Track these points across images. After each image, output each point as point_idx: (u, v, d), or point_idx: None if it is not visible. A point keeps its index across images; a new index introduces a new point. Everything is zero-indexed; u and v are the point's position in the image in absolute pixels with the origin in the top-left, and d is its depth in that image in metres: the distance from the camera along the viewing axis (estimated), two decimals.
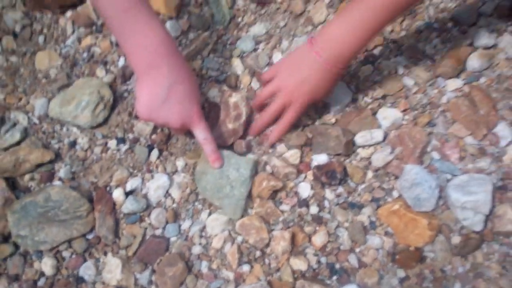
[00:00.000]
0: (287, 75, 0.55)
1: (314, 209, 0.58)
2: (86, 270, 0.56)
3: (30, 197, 0.55)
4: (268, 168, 0.59)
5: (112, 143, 0.60)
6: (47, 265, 0.55)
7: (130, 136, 0.60)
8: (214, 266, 0.56)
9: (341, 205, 0.58)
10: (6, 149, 0.57)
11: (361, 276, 0.55)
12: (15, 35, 0.65)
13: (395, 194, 0.58)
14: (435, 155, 0.60)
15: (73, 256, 0.56)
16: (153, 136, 0.60)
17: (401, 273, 0.56)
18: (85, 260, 0.56)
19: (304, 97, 0.55)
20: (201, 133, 0.55)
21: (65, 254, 0.56)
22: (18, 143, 0.58)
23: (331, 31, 0.52)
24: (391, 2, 0.49)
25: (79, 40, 0.65)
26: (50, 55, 0.64)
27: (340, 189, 0.59)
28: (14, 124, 0.59)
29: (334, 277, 0.55)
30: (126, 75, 0.63)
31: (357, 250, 0.56)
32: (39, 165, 0.58)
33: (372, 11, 0.50)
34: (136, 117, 0.59)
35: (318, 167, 0.59)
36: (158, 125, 0.55)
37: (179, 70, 0.51)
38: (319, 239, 0.57)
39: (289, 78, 0.55)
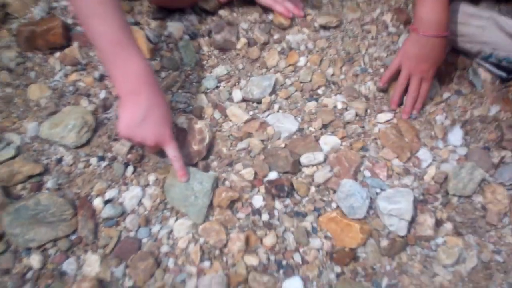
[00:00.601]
0: (409, 54, 0.88)
1: (265, 217, 0.87)
2: (69, 265, 0.80)
3: (22, 202, 0.81)
4: (227, 183, 0.89)
5: (93, 160, 0.89)
6: (35, 260, 0.80)
7: (109, 155, 0.89)
8: (179, 262, 0.82)
9: (288, 213, 0.87)
10: (1, 162, 0.85)
11: (303, 271, 0.83)
12: (10, 71, 0.96)
13: (333, 205, 0.88)
14: (367, 173, 0.91)
15: (58, 253, 0.81)
16: (129, 156, 0.89)
17: (338, 269, 0.83)
18: (68, 257, 0.81)
19: (433, 70, 0.89)
20: (172, 151, 0.84)
21: (51, 251, 0.81)
22: (13, 158, 0.86)
23: (421, 15, 0.85)
24: None
25: (66, 75, 0.97)
26: (41, 87, 0.94)
27: (288, 201, 0.88)
28: (9, 143, 0.88)
29: (281, 271, 0.82)
30: (106, 106, 0.94)
31: (301, 250, 0.84)
32: (30, 177, 0.85)
33: None
34: (116, 137, 0.89)
35: (269, 182, 0.89)
36: (135, 142, 0.84)
37: (156, 97, 0.79)
38: (269, 241, 0.85)
39: (411, 56, 0.88)
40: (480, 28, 0.91)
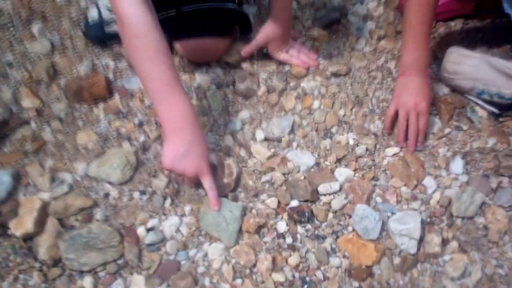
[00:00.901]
0: (401, 97, 1.13)
1: (289, 240, 1.10)
2: (117, 286, 1.03)
3: (76, 230, 1.04)
4: (253, 211, 1.13)
5: (136, 194, 1.13)
6: (87, 282, 1.01)
7: (149, 189, 1.14)
8: (214, 280, 1.04)
9: (309, 236, 1.11)
10: (56, 197, 1.10)
11: (325, 286, 1.05)
12: (60, 120, 1.24)
13: (349, 228, 1.11)
14: (378, 199, 1.15)
15: (107, 275, 1.03)
16: (166, 190, 1.14)
17: (356, 284, 1.05)
18: (116, 279, 1.04)
19: (425, 103, 1.12)
20: (208, 182, 1.07)
21: (101, 274, 1.03)
22: (66, 193, 1.11)
23: (405, 59, 1.12)
24: (420, 12, 1.09)
25: (109, 123, 1.24)
26: (88, 133, 1.21)
27: (308, 225, 1.12)
28: (62, 181, 1.13)
29: (305, 286, 1.05)
30: (145, 148, 1.20)
31: (322, 268, 1.07)
32: (82, 209, 1.08)
33: (412, 27, 1.11)
34: (159, 169, 1.14)
35: (291, 209, 1.13)
36: (177, 173, 1.08)
37: (196, 134, 1.01)
38: (293, 260, 1.07)
39: (403, 98, 1.12)
40: (473, 66, 1.18)
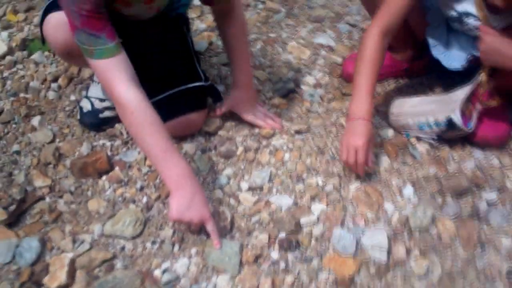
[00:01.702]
0: (345, 137, 1.43)
1: (283, 265, 1.37)
2: None
3: (103, 278, 1.29)
4: (249, 246, 1.42)
5: (148, 245, 1.39)
6: None
7: (158, 239, 1.41)
8: None
9: (299, 260, 1.39)
10: (81, 254, 1.35)
11: None
12: (71, 193, 1.51)
13: (330, 249, 1.43)
14: (350, 224, 1.46)
15: None
16: (173, 238, 1.41)
17: None
18: None
19: (361, 141, 1.41)
20: (211, 226, 1.33)
21: None
22: (88, 250, 1.36)
23: (353, 107, 1.45)
24: (366, 74, 1.47)
25: (114, 190, 1.52)
26: (98, 201, 1.48)
27: (297, 252, 1.41)
28: (82, 241, 1.38)
29: None
30: (149, 207, 1.49)
31: (313, 283, 1.36)
32: (104, 261, 1.34)
33: (359, 84, 1.47)
34: (168, 221, 1.41)
35: (281, 240, 1.43)
36: (184, 223, 1.35)
37: (196, 188, 1.27)
38: (289, 280, 1.33)
39: (347, 137, 1.42)
40: (412, 106, 1.55)
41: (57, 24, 1.30)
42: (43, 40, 1.39)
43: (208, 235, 1.31)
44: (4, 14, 2.00)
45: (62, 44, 1.32)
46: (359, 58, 1.47)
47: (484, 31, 1.34)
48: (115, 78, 1.21)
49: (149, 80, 1.29)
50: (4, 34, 1.91)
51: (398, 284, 1.27)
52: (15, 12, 2.02)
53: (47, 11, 1.34)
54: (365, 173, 1.46)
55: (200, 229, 1.31)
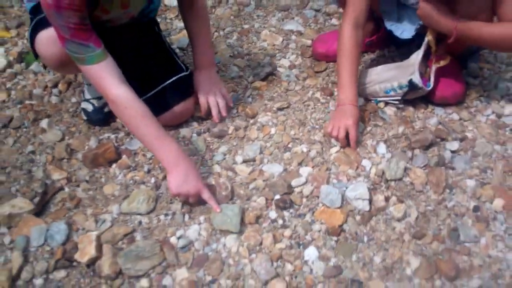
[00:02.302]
0: (337, 119, 1.64)
1: (280, 222, 1.57)
2: (167, 280, 1.44)
3: (127, 248, 1.47)
4: (250, 209, 1.62)
5: (161, 217, 1.57)
6: (144, 282, 1.41)
7: (170, 212, 1.61)
8: (236, 259, 1.49)
9: (294, 216, 1.60)
10: (104, 232, 1.54)
11: (315, 243, 1.53)
12: (87, 181, 1.69)
13: (320, 204, 1.64)
14: (334, 181, 1.67)
15: (157, 275, 1.42)
16: (183, 210, 1.61)
17: (334, 238, 1.54)
18: (164, 276, 1.46)
19: (351, 121, 1.62)
20: (207, 195, 1.49)
21: (152, 275, 1.43)
22: (110, 227, 1.54)
23: (341, 96, 1.66)
24: (348, 64, 1.68)
25: (125, 175, 1.71)
26: (112, 185, 1.66)
27: (291, 209, 1.61)
28: (104, 220, 1.56)
29: (301, 247, 1.51)
30: (157, 186, 1.68)
31: (309, 234, 1.56)
32: (125, 235, 1.52)
33: (343, 75, 1.68)
34: (171, 198, 1.61)
35: (276, 201, 1.63)
36: (182, 195, 1.52)
37: (189, 165, 1.42)
38: (287, 233, 1.51)
39: (339, 119, 1.63)
40: (376, 74, 1.76)
41: (48, 40, 1.46)
42: (35, 55, 1.56)
43: (206, 203, 1.49)
44: None
45: (56, 58, 1.50)
46: (339, 52, 1.71)
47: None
48: (106, 79, 1.40)
49: (134, 80, 1.47)
50: (1, 49, 2.06)
51: (381, 227, 1.48)
52: (7, 28, 2.18)
53: (35, 30, 1.50)
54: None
55: (199, 200, 1.49)
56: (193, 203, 1.52)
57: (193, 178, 1.46)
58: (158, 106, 1.54)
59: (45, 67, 1.90)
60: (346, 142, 1.64)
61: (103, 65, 1.37)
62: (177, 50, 2.01)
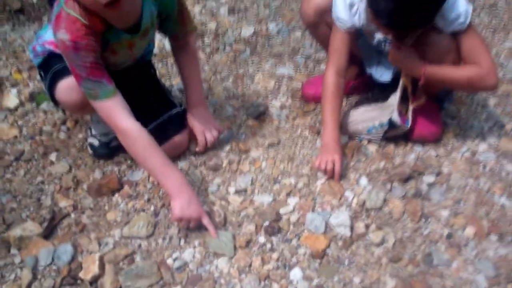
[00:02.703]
0: (324, 154, 1.80)
1: (269, 246, 1.74)
2: None
3: (128, 268, 1.62)
4: (241, 234, 1.77)
5: (159, 241, 1.74)
6: None
7: (167, 236, 1.76)
8: (227, 279, 1.62)
9: (281, 241, 1.77)
10: (106, 253, 1.70)
11: (300, 265, 1.68)
12: (91, 209, 1.86)
13: (305, 230, 1.80)
14: (319, 209, 1.84)
15: None
16: (179, 234, 1.77)
17: (318, 261, 1.69)
18: None
19: (337, 157, 1.78)
20: (207, 220, 1.66)
21: None
22: (112, 249, 1.70)
23: (323, 138, 1.86)
24: (331, 109, 1.87)
25: (126, 204, 1.88)
26: (114, 213, 1.81)
27: (279, 235, 1.78)
28: (106, 243, 1.72)
29: (287, 268, 1.66)
30: (156, 213, 1.85)
31: (295, 257, 1.72)
32: (126, 256, 1.66)
33: (326, 119, 1.88)
34: (172, 220, 1.77)
35: (265, 227, 1.79)
36: (185, 219, 1.70)
37: (191, 192, 1.57)
38: (275, 256, 1.67)
39: (325, 155, 1.80)
40: (358, 115, 1.96)
41: (67, 89, 1.64)
42: (54, 102, 1.74)
43: (205, 229, 1.64)
44: (10, 74, 2.37)
45: (76, 104, 1.67)
46: (322, 97, 1.92)
47: (393, 46, 1.77)
48: (117, 113, 1.58)
49: (136, 114, 1.64)
50: (14, 90, 2.26)
51: (361, 252, 1.63)
52: (19, 71, 2.39)
53: (53, 80, 1.68)
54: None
55: (199, 225, 1.64)
56: (193, 227, 1.65)
57: (195, 204, 1.62)
58: (158, 137, 1.70)
59: (64, 111, 2.08)
60: (332, 174, 1.80)
61: (114, 101, 1.56)
62: (177, 92, 2.19)
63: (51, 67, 1.65)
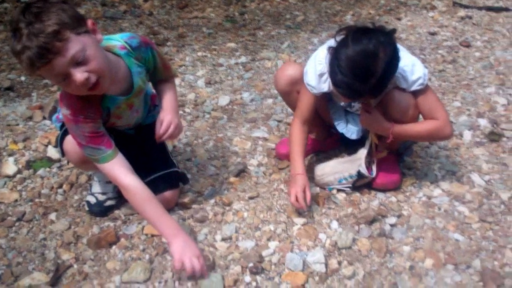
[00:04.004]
0: (292, 187, 2.10)
1: (254, 284, 2.00)
2: None
3: None
4: (228, 275, 2.04)
5: (156, 284, 1.95)
6: None
7: (163, 280, 2.01)
8: None
9: (265, 279, 2.04)
10: None
11: None
12: (92, 260, 2.11)
13: (286, 269, 2.07)
14: (297, 250, 2.12)
15: None
16: (173, 278, 2.02)
17: None
18: None
19: (306, 186, 2.09)
20: (202, 260, 1.96)
21: None
22: None
23: (291, 171, 2.18)
24: (296, 156, 2.18)
25: (124, 254, 2.12)
26: (113, 262, 2.03)
27: (263, 274, 2.05)
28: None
29: None
30: (151, 260, 2.11)
31: None
32: None
33: (293, 163, 2.20)
34: (175, 267, 2.01)
35: (250, 268, 2.05)
36: (187, 262, 1.95)
37: (186, 236, 1.81)
38: None
39: (296, 187, 2.09)
40: (330, 167, 2.27)
41: (73, 143, 1.92)
42: (62, 153, 2.03)
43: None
44: (7, 145, 2.66)
45: (78, 157, 1.93)
46: (290, 142, 2.23)
47: (362, 110, 2.14)
48: (117, 173, 1.85)
49: (139, 168, 1.92)
50: (11, 159, 2.54)
51: (335, 285, 1.89)
52: (15, 142, 2.68)
53: (64, 134, 1.97)
54: (303, 215, 2.17)
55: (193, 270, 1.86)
56: (195, 266, 1.85)
57: (191, 244, 1.86)
58: (153, 190, 1.99)
59: (68, 162, 2.37)
60: (303, 202, 2.11)
61: (114, 162, 1.83)
62: (183, 162, 2.49)
63: (65, 126, 1.93)
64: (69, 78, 1.60)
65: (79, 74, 1.58)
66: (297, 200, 2.10)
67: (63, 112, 1.76)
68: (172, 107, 2.04)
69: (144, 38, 1.93)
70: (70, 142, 1.91)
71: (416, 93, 2.05)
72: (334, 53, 1.89)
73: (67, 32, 1.55)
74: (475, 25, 3.85)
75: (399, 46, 1.94)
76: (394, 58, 1.86)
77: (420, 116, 2.12)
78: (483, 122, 2.72)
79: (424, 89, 2.04)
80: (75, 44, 1.57)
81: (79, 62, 1.59)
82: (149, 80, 2.07)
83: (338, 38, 1.91)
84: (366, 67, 1.81)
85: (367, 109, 2.08)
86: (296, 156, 2.19)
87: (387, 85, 1.92)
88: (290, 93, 2.26)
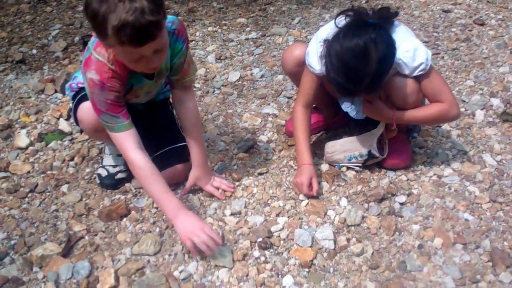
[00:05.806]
0: (298, 176, 2.12)
1: (262, 258, 2.02)
2: None
3: (139, 279, 1.85)
4: (238, 249, 2.06)
5: (166, 257, 1.98)
6: None
7: (173, 252, 2.02)
8: (227, 287, 1.94)
9: (274, 254, 2.06)
10: (119, 268, 1.96)
11: (291, 273, 1.98)
12: (103, 231, 2.13)
13: (294, 244, 2.10)
14: (306, 226, 2.16)
15: None
16: (183, 251, 2.04)
17: (306, 270, 1.98)
18: None
19: (313, 176, 2.09)
20: (208, 229, 1.96)
21: None
22: (124, 264, 1.97)
23: (298, 160, 2.18)
24: (302, 134, 2.19)
25: (134, 226, 2.14)
26: (124, 234, 2.06)
27: (271, 249, 2.06)
28: (119, 260, 1.99)
29: (279, 276, 1.95)
30: (161, 233, 2.13)
31: (286, 267, 2.00)
32: (137, 270, 1.90)
33: (299, 142, 2.20)
34: (182, 241, 2.02)
35: (259, 243, 2.08)
36: (191, 236, 1.96)
37: (187, 212, 1.82)
38: (268, 267, 1.92)
39: (302, 176, 2.10)
40: (340, 145, 2.26)
41: (88, 110, 1.92)
42: (76, 121, 2.05)
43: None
44: (19, 117, 2.68)
45: (92, 125, 1.96)
46: (293, 127, 2.24)
47: (364, 100, 2.13)
48: (128, 145, 1.86)
49: (150, 142, 1.95)
50: (23, 131, 2.56)
51: (344, 261, 1.92)
52: (27, 114, 2.70)
53: (78, 102, 1.99)
54: (312, 195, 2.14)
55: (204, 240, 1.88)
56: (204, 240, 1.86)
57: (194, 219, 1.88)
58: (162, 163, 2.01)
59: (81, 131, 2.41)
60: (309, 190, 2.12)
61: (127, 134, 1.84)
62: None
63: (79, 94, 1.97)
64: (143, 61, 1.65)
65: (157, 63, 1.69)
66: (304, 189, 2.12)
67: (90, 76, 1.75)
68: (206, 170, 2.23)
69: (182, 27, 1.91)
70: (84, 109, 1.94)
71: (419, 78, 2.02)
72: (328, 48, 1.88)
73: (163, 21, 1.60)
74: (490, 3, 3.79)
75: (400, 28, 1.96)
76: (387, 54, 1.84)
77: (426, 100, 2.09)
78: (496, 101, 2.69)
79: (428, 73, 2.01)
80: (164, 34, 1.63)
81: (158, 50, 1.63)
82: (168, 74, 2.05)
83: (338, 22, 1.94)
84: (358, 69, 1.81)
85: (368, 99, 2.06)
86: (302, 145, 2.20)
87: (382, 81, 1.92)
88: (298, 74, 2.25)
